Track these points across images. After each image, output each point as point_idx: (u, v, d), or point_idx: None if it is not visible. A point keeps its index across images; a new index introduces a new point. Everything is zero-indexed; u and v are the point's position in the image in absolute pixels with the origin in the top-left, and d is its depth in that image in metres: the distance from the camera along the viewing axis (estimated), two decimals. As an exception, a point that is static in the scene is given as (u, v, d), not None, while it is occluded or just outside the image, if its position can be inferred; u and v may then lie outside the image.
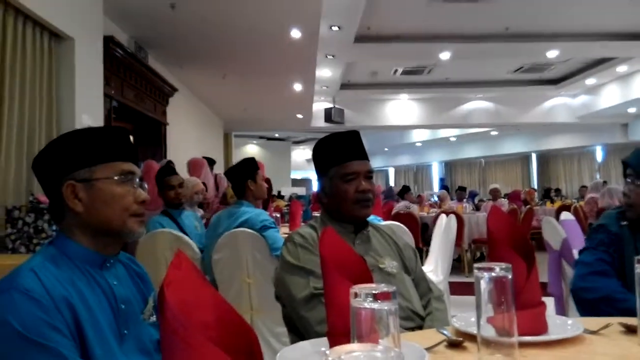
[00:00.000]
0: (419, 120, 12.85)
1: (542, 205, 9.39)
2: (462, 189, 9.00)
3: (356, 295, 0.64)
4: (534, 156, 17.37)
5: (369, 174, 1.56)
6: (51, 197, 1.09)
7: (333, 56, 8.19)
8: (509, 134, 16.07)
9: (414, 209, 7.15)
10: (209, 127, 10.20)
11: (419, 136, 17.64)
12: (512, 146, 16.71)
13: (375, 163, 21.92)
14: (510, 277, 0.89)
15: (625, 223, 1.55)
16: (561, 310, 3.04)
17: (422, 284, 1.61)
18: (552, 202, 10.17)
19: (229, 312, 0.63)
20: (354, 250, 0.92)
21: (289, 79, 8.10)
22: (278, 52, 6.53)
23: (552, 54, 8.57)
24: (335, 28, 6.79)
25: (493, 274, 0.89)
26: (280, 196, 11.55)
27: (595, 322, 1.10)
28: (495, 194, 8.49)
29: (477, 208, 8.25)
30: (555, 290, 3.20)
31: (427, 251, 4.47)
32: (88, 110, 3.69)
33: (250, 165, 2.95)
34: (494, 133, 16.16)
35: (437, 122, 12.92)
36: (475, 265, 0.89)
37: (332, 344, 0.79)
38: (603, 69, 9.96)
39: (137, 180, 1.11)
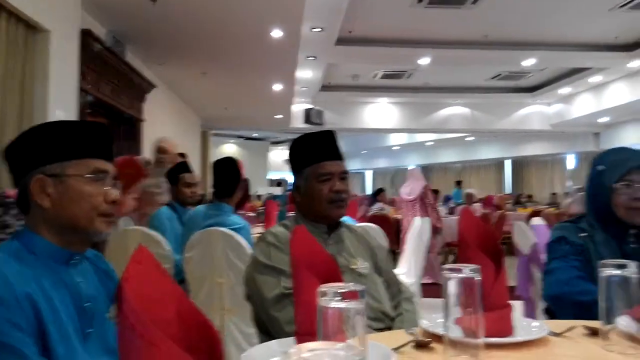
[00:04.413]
0: (398, 124, 12.96)
1: (514, 210, 9.56)
2: (434, 192, 9.09)
3: (323, 294, 0.64)
4: (508, 162, 17.69)
5: (343, 175, 1.56)
6: (19, 190, 1.06)
7: (314, 57, 8.20)
8: (485, 140, 16.34)
9: (388, 210, 7.20)
10: (186, 125, 10.09)
11: (396, 140, 17.79)
12: (488, 152, 17.00)
13: (353, 165, 22.02)
14: (478, 278, 0.91)
15: (584, 234, 1.56)
16: (530, 313, 3.10)
17: (393, 286, 1.62)
18: (524, 207, 10.37)
19: (190, 309, 0.62)
20: (324, 249, 0.92)
21: (269, 78, 8.08)
22: (259, 51, 6.50)
23: (528, 62, 8.75)
24: (317, 29, 6.79)
25: (461, 275, 0.90)
26: (257, 196, 11.51)
27: (559, 324, 1.12)
28: (469, 199, 8.62)
29: (451, 212, 8.35)
30: (524, 293, 3.27)
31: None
32: (62, 104, 3.61)
33: (238, 166, 2.89)
34: (470, 138, 16.41)
35: (415, 126, 13.05)
36: (444, 266, 0.90)
37: (299, 343, 0.79)
38: (577, 79, 10.21)
39: (110, 179, 1.08)
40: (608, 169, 1.57)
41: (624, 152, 1.60)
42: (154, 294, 0.58)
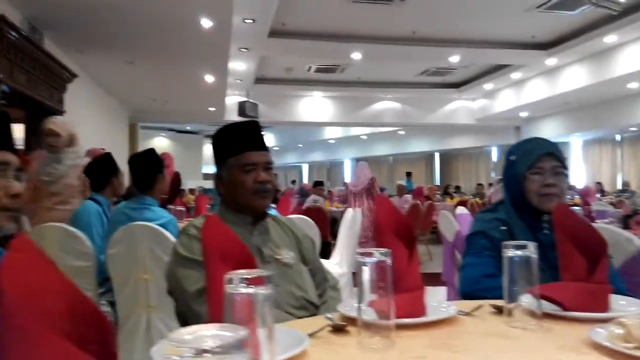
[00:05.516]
0: (332, 118, 13.11)
1: (443, 201, 9.97)
2: (319, 183, 9.27)
3: (230, 281, 0.64)
4: (437, 155, 18.41)
5: (268, 165, 1.55)
6: None
7: (247, 49, 8.11)
8: (415, 133, 16.89)
9: (322, 203, 7.28)
10: (112, 117, 9.66)
11: (332, 133, 18.00)
12: (418, 145, 17.61)
13: (289, 159, 22.04)
14: (389, 262, 0.94)
15: (504, 228, 1.57)
16: (455, 297, 3.25)
17: (318, 274, 1.65)
18: (452, 198, 10.84)
19: (80, 299, 0.60)
20: (238, 237, 0.92)
21: (200, 69, 7.89)
22: (188, 41, 6.33)
23: (454, 59, 9.12)
24: (249, 21, 6.72)
25: (373, 259, 0.93)
26: (190, 191, 11.24)
27: (469, 304, 1.19)
28: (400, 190, 8.88)
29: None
30: (449, 278, 3.42)
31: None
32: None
33: (158, 157, 2.80)
34: (401, 132, 16.90)
35: (349, 120, 13.26)
36: (357, 250, 0.93)
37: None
38: (499, 75, 10.78)
39: (12, 171, 1.02)
40: (519, 159, 1.62)
41: (533, 142, 1.69)
42: (37, 285, 0.55)
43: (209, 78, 8.33)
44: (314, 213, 6.16)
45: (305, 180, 20.60)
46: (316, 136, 18.60)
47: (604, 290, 1.11)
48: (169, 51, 6.78)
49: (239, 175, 1.51)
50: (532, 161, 1.56)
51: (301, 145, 20.70)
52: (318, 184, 8.69)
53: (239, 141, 1.54)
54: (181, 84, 8.76)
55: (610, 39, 7.92)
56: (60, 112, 6.04)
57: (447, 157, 18.28)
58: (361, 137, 18.00)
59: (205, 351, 0.39)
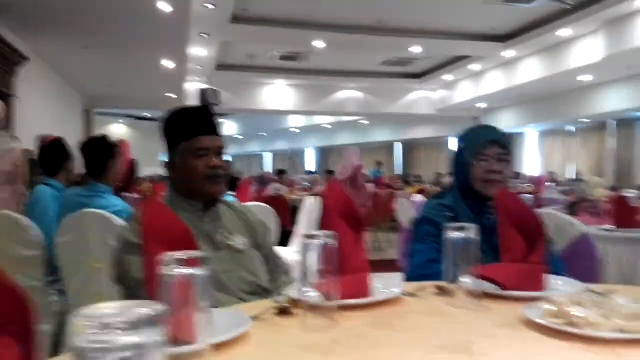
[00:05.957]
0: (295, 106, 13.06)
1: (403, 189, 10.12)
2: (330, 172, 9.36)
3: (165, 262, 0.63)
4: (398, 145, 18.67)
5: (220, 150, 1.54)
6: None
7: (207, 35, 7.96)
8: (378, 123, 17.06)
9: (284, 191, 7.28)
10: (66, 103, 9.32)
11: (295, 122, 17.94)
12: (380, 135, 17.80)
13: (252, 147, 21.88)
14: (334, 244, 0.95)
15: (450, 214, 1.59)
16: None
17: (272, 260, 1.65)
18: (412, 186, 11.03)
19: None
20: (179, 219, 0.91)
21: (158, 55, 7.69)
22: (145, 26, 6.16)
23: (415, 49, 9.23)
24: (209, 6, 6.59)
25: (317, 242, 0.94)
26: (150, 178, 10.98)
27: (414, 285, 1.22)
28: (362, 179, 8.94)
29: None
30: (405, 263, 3.49)
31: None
32: None
33: (110, 143, 2.74)
34: (364, 122, 17.02)
35: (312, 108, 13.25)
36: (302, 233, 0.94)
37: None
38: (458, 67, 10.97)
39: None
40: (466, 146, 1.67)
41: (480, 129, 1.74)
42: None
43: (168, 64, 8.13)
44: (276, 201, 6.17)
45: (270, 169, 20.51)
46: (280, 125, 18.51)
47: (540, 270, 1.16)
48: (125, 35, 6.58)
49: (191, 160, 1.49)
50: (477, 148, 1.61)
51: (265, 134, 20.56)
52: (281, 173, 8.70)
53: (190, 126, 1.52)
54: (138, 70, 8.52)
55: (565, 32, 8.17)
56: (10, 96, 5.79)
57: (409, 147, 18.56)
58: (325, 126, 18.03)
59: (110, 326, 0.39)
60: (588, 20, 7.50)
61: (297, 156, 21.82)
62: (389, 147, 18.88)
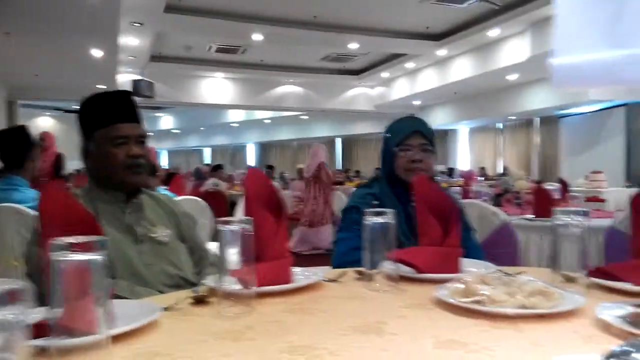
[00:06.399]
0: (234, 100, 12.87)
1: (343, 184, 10.25)
2: (269, 167, 9.32)
3: (54, 247, 0.60)
4: (338, 140, 18.88)
5: (140, 138, 1.48)
6: None
7: (140, 24, 7.67)
8: (318, 118, 17.14)
9: (222, 186, 7.17)
10: (-14, 93, 8.70)
11: (235, 117, 17.68)
12: (320, 130, 17.91)
13: (191, 142, 21.35)
14: (250, 230, 0.94)
15: (376, 202, 1.63)
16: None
17: (197, 252, 1.61)
18: (351, 181, 11.19)
19: None
20: (82, 206, 0.87)
21: (86, 43, 7.31)
22: (71, 12, 5.83)
23: (353, 46, 9.33)
24: (140, -7, 6.35)
25: (233, 228, 0.93)
26: (77, 172, 10.47)
27: (336, 272, 1.23)
28: (300, 173, 8.97)
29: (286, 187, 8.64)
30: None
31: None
32: None
33: (28, 134, 2.59)
34: (304, 117, 17.05)
35: (251, 103, 13.09)
36: (217, 219, 0.92)
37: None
38: (395, 64, 11.22)
39: None
40: (392, 136, 1.72)
41: (404, 120, 1.79)
42: None
43: (97, 53, 7.75)
44: (213, 196, 6.06)
45: (210, 163, 20.12)
46: (219, 119, 18.17)
47: (455, 253, 1.20)
48: (50, 22, 6.21)
49: (109, 148, 1.43)
50: (401, 138, 1.66)
51: (203, 129, 20.11)
52: (218, 168, 8.56)
53: (107, 112, 1.45)
54: (65, 59, 8.07)
55: (494, 32, 8.55)
56: None
57: (348, 142, 18.81)
58: (265, 121, 17.89)
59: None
60: (515, 21, 7.88)
61: (238, 151, 21.53)
62: (329, 142, 19.04)
